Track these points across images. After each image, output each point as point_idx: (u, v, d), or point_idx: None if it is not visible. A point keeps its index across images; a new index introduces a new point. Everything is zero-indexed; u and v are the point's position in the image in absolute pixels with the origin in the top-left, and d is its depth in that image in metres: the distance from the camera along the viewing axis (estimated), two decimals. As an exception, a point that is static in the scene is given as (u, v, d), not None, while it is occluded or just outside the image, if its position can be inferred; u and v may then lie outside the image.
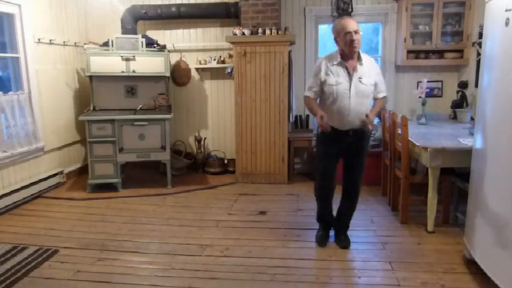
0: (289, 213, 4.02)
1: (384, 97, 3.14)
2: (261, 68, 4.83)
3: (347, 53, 2.94)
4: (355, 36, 2.87)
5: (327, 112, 2.96)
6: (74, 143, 5.28)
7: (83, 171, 5.27)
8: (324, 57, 3.07)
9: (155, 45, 5.01)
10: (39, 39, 4.54)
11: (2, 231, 3.57)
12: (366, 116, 2.90)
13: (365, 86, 2.97)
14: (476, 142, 2.81)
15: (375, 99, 3.11)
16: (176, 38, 5.52)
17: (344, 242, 3.22)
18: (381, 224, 3.69)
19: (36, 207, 4.20)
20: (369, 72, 2.99)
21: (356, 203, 3.28)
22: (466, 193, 3.04)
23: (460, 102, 4.77)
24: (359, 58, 2.97)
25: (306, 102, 3.12)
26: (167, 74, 5.06)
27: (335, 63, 2.98)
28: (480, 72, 2.78)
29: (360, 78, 2.95)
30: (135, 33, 5.18)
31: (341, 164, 3.20)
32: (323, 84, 3.00)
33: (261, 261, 3.02)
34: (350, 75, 2.95)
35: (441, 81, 5.12)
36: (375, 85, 3.04)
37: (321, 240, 3.27)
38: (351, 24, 2.89)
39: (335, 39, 2.99)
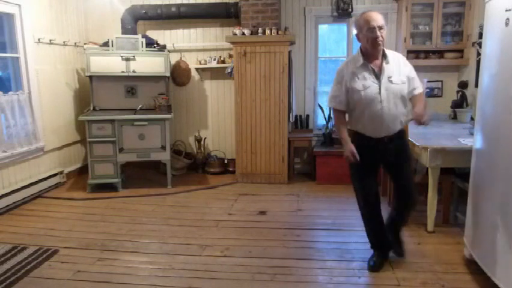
0: (289, 213, 4.02)
1: (422, 92, 2.79)
2: (261, 68, 4.82)
3: (370, 51, 2.64)
4: (379, 33, 2.56)
5: (359, 120, 2.73)
6: (74, 143, 5.28)
7: (83, 171, 5.27)
8: (346, 61, 2.83)
9: (155, 45, 5.02)
10: (39, 39, 4.54)
11: (2, 231, 3.57)
12: (416, 114, 2.65)
13: (397, 85, 2.65)
14: (476, 142, 2.81)
15: (412, 97, 2.76)
16: (176, 38, 5.52)
17: (401, 252, 3.01)
18: (381, 224, 3.69)
19: (36, 207, 4.20)
20: (399, 69, 2.67)
21: (410, 214, 2.98)
22: (466, 193, 3.04)
23: (460, 102, 4.77)
24: (384, 56, 2.67)
25: (335, 118, 2.88)
26: (167, 74, 5.06)
27: (358, 65, 2.68)
28: (480, 72, 2.78)
29: (389, 77, 2.64)
30: (135, 33, 5.18)
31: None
32: (349, 91, 2.71)
33: (261, 261, 3.02)
34: (377, 77, 2.65)
35: (441, 81, 5.12)
36: (409, 81, 2.70)
37: (374, 267, 2.85)
38: (375, 18, 2.57)
39: (357, 35, 2.69)
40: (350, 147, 2.73)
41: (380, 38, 2.58)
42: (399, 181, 2.88)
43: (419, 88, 2.77)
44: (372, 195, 2.85)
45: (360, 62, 2.68)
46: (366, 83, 2.65)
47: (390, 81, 2.64)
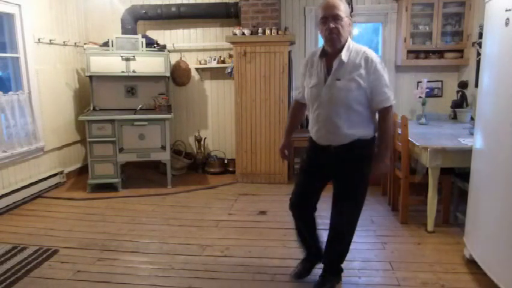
0: (289, 213, 3.93)
1: (388, 107, 2.22)
2: (261, 68, 4.82)
3: (326, 46, 2.27)
4: (332, 24, 2.13)
5: (310, 121, 2.39)
6: (74, 143, 5.27)
7: (83, 171, 5.27)
8: (312, 51, 2.47)
9: (155, 45, 5.02)
10: (39, 39, 4.54)
11: (2, 231, 3.57)
12: (376, 163, 2.30)
13: (341, 91, 2.18)
14: (476, 142, 2.81)
15: (378, 113, 2.29)
16: (176, 38, 5.52)
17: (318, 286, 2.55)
18: (381, 224, 3.69)
19: (36, 207, 4.20)
20: (355, 71, 2.18)
21: (342, 249, 2.56)
22: (466, 193, 3.04)
23: (460, 102, 4.77)
24: (343, 51, 2.20)
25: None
26: (167, 74, 5.06)
27: (315, 58, 2.34)
28: (480, 72, 2.78)
29: (338, 79, 2.20)
30: (135, 33, 5.18)
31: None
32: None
33: (261, 261, 3.02)
34: (326, 75, 2.25)
35: (441, 81, 5.12)
36: (370, 90, 2.19)
37: (295, 275, 2.70)
38: (330, 6, 2.14)
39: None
40: (281, 144, 2.67)
41: (335, 30, 2.14)
42: (334, 207, 2.49)
43: (385, 102, 2.22)
44: (297, 196, 2.56)
45: (317, 55, 2.32)
46: (314, 81, 2.30)
47: (336, 85, 2.21)
